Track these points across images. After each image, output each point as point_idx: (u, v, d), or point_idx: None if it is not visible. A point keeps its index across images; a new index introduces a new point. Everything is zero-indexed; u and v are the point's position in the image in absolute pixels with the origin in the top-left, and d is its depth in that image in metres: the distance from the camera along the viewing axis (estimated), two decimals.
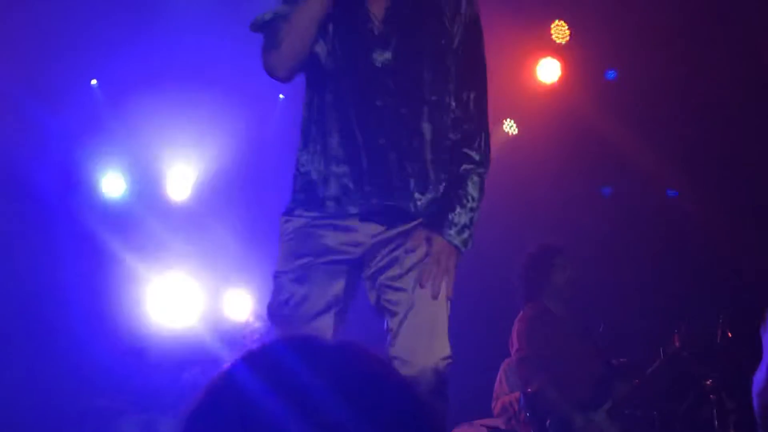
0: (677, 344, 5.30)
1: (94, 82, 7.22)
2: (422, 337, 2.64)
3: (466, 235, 2.76)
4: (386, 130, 2.66)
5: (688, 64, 6.83)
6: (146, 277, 7.03)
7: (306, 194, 2.70)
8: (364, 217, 2.65)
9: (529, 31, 7.46)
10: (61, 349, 6.48)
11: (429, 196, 2.71)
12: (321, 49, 2.67)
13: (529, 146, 7.54)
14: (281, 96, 7.36)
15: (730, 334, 5.16)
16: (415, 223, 2.71)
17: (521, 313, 5.68)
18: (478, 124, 2.86)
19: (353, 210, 2.65)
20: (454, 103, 2.80)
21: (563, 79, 7.54)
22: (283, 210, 2.81)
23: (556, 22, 7.45)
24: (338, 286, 2.71)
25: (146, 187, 7.35)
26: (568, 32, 7.45)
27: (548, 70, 7.54)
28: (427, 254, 2.69)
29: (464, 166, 2.81)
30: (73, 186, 7.10)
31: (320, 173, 2.67)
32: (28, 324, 6.55)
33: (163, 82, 6.84)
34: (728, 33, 6.67)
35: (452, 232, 2.75)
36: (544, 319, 5.57)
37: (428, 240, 2.74)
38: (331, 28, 2.67)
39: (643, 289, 7.00)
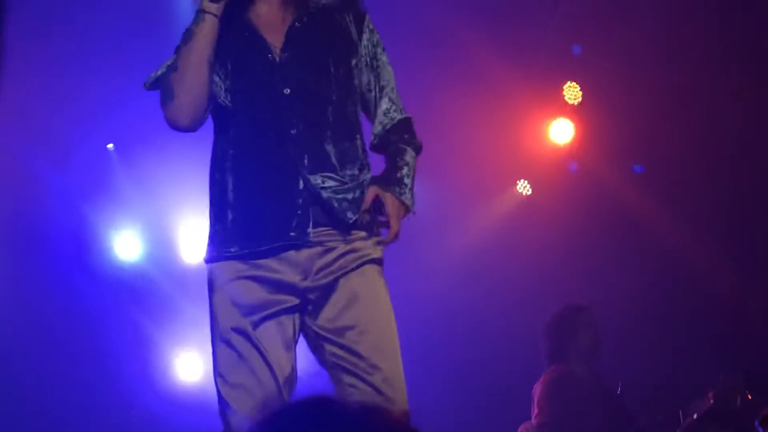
0: (712, 401, 5.17)
1: (110, 146, 7.28)
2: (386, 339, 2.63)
3: (412, 195, 2.73)
4: (306, 155, 2.60)
5: (703, 124, 6.84)
6: (160, 341, 6.99)
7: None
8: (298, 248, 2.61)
9: (542, 92, 7.51)
10: (71, 411, 6.44)
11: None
12: (219, 87, 2.61)
13: (544, 207, 7.53)
14: None
15: (750, 396, 5.06)
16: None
17: (544, 375, 5.60)
18: (404, 115, 2.83)
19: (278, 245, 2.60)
20: (378, 110, 2.78)
21: (576, 140, 7.56)
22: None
23: (568, 83, 7.50)
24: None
25: (160, 249, 7.33)
26: (580, 93, 7.50)
27: (561, 131, 7.56)
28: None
29: (399, 145, 2.77)
30: (86, 248, 7.10)
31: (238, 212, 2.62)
32: (38, 384, 6.52)
33: (179, 144, 6.89)
34: (743, 92, 6.69)
35: (404, 190, 2.70)
36: (566, 382, 5.48)
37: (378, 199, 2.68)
38: (229, 64, 2.61)
39: (667, 346, 6.91)
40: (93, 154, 7.13)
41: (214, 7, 2.53)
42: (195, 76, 2.52)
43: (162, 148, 6.86)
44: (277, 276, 2.60)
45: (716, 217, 6.92)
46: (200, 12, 2.54)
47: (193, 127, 2.62)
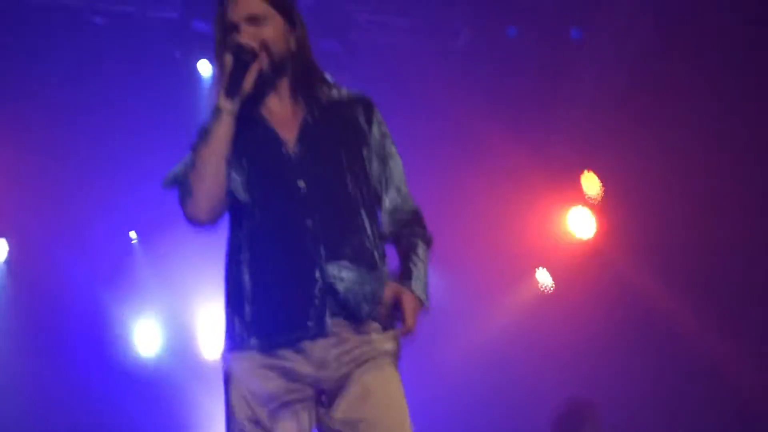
0: None
1: (133, 235, 7.35)
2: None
3: (427, 291, 2.73)
4: (322, 245, 2.63)
5: (727, 217, 6.81)
6: None
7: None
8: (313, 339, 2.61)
9: (561, 181, 7.55)
10: None
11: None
12: (235, 182, 2.65)
13: (563, 297, 7.49)
14: None
15: None
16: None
17: None
18: (413, 207, 2.85)
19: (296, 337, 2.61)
20: (386, 201, 2.80)
21: (595, 230, 7.56)
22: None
23: (587, 172, 7.54)
24: None
25: (179, 341, 7.33)
26: (599, 183, 7.53)
27: (579, 221, 7.58)
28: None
29: (411, 239, 2.79)
30: (104, 337, 7.11)
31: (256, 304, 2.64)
32: None
33: (199, 235, 6.94)
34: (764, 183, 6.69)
35: (419, 286, 2.70)
36: None
37: (396, 296, 2.66)
38: (243, 159, 2.66)
39: None
40: (113, 242, 7.20)
41: (230, 105, 2.59)
42: (212, 173, 2.57)
43: (182, 238, 6.91)
44: (293, 366, 2.60)
45: (742, 315, 6.83)
46: (217, 110, 2.60)
47: (212, 223, 2.65)
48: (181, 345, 7.29)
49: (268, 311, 2.62)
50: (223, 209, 2.66)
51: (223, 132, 2.60)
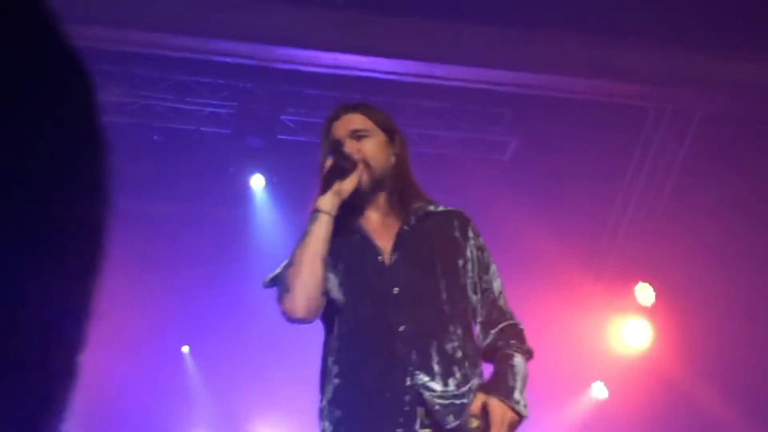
0: None
1: (185, 349, 7.40)
2: None
3: (524, 401, 2.64)
4: (414, 351, 2.62)
5: None
6: None
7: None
8: None
9: (614, 293, 7.47)
10: None
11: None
12: (332, 284, 2.70)
13: (620, 410, 7.30)
14: None
15: None
16: None
17: None
18: (512, 321, 2.80)
19: None
20: (485, 310, 2.78)
21: (651, 342, 7.44)
22: None
23: (641, 284, 7.47)
24: None
25: None
26: (653, 294, 7.45)
27: (634, 332, 7.47)
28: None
29: (506, 350, 2.72)
30: None
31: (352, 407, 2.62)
32: None
33: (250, 350, 6.96)
34: None
35: (513, 396, 2.62)
36: None
37: (485, 407, 2.60)
38: (341, 264, 2.72)
39: None
40: (167, 355, 7.24)
41: (329, 206, 2.69)
42: (310, 271, 2.63)
43: (235, 352, 6.93)
44: None
45: None
46: (315, 212, 2.70)
47: (308, 319, 2.68)
48: None
49: (359, 417, 2.61)
50: (319, 307, 2.69)
51: (320, 231, 2.68)
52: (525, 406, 2.64)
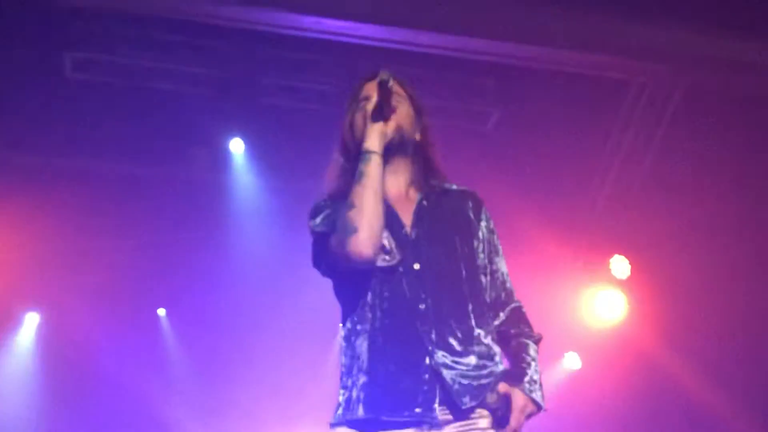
0: None
1: (162, 311, 7.40)
2: None
3: (542, 393, 2.70)
4: (434, 330, 2.63)
5: (757, 292, 6.74)
6: None
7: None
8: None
9: (591, 265, 7.52)
10: None
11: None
12: (386, 238, 2.69)
13: (593, 381, 7.38)
14: None
15: None
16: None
17: None
18: (517, 303, 2.87)
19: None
20: (494, 291, 2.82)
21: (625, 314, 7.50)
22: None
23: (616, 257, 7.52)
24: None
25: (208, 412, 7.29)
26: (629, 267, 7.50)
27: (609, 305, 7.53)
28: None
29: (521, 339, 2.79)
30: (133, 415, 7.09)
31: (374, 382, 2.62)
32: None
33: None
34: None
35: (534, 388, 2.68)
36: None
37: (507, 395, 2.63)
38: None
39: None
40: (143, 317, 7.21)
41: (377, 147, 2.70)
42: (374, 211, 2.63)
43: (211, 316, 6.92)
44: None
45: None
46: (365, 153, 2.70)
47: (374, 258, 2.64)
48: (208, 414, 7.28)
49: (380, 390, 2.61)
50: (379, 250, 2.67)
51: (375, 171, 2.68)
52: (543, 397, 2.70)
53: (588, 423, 7.09)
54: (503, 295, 2.84)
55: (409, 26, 5.99)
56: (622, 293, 7.52)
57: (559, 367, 7.62)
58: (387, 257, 2.69)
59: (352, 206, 2.66)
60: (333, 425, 2.67)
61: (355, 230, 2.63)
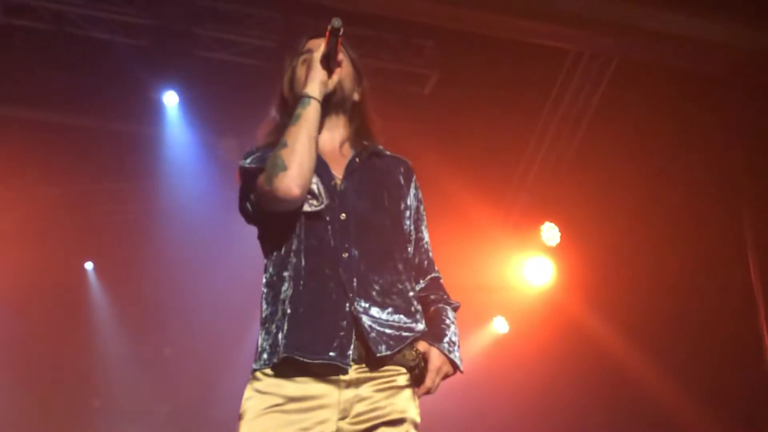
0: None
1: (89, 265, 7.28)
2: None
3: (459, 354, 2.75)
4: (355, 279, 2.65)
5: (681, 261, 6.89)
6: None
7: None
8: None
9: (520, 232, 7.60)
10: None
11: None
12: (315, 182, 2.70)
13: (520, 344, 7.50)
14: None
15: None
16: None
17: None
18: (437, 273, 2.92)
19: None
20: (417, 257, 2.87)
21: (553, 280, 7.62)
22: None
23: (547, 224, 7.62)
24: None
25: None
26: (559, 234, 7.60)
27: (538, 271, 7.63)
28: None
29: (440, 305, 2.84)
30: None
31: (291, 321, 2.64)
32: None
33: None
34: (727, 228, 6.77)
35: (454, 349, 2.72)
36: None
37: (425, 354, 2.67)
38: None
39: None
40: (70, 271, 7.09)
41: (317, 94, 2.72)
42: (307, 152, 2.66)
43: (140, 269, 6.83)
44: (316, 404, 2.60)
45: (696, 360, 6.89)
46: (304, 97, 2.72)
47: (299, 200, 2.65)
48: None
49: (301, 334, 2.61)
50: (306, 192, 2.67)
51: (312, 116, 2.71)
52: (460, 359, 2.73)
53: (515, 386, 7.21)
54: (426, 263, 2.89)
55: None
56: (551, 260, 7.63)
57: (487, 331, 7.72)
58: (314, 202, 2.70)
59: (284, 145, 2.67)
60: (256, 370, 2.68)
61: (284, 167, 2.63)
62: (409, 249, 2.86)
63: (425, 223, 2.94)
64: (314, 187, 2.70)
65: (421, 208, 2.94)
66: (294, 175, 2.62)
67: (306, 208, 2.70)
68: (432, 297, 2.85)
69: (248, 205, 2.75)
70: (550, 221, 7.63)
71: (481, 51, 6.62)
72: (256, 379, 2.64)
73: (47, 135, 6.67)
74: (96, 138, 6.79)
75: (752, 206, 6.50)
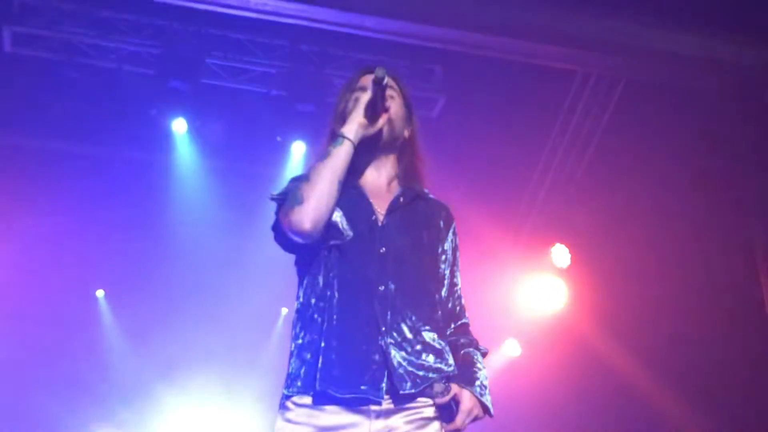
0: None
1: (100, 293, 7.29)
2: None
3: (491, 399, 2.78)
4: (389, 312, 2.67)
5: (692, 282, 6.86)
6: None
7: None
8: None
9: (532, 253, 7.58)
10: None
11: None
12: (339, 217, 2.72)
13: (532, 367, 7.46)
14: None
15: None
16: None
17: None
18: (467, 320, 2.93)
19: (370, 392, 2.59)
20: (450, 301, 2.89)
21: (565, 302, 7.59)
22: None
23: (557, 245, 7.60)
24: None
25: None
26: (569, 255, 7.58)
27: (550, 293, 7.61)
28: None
29: (470, 349, 2.85)
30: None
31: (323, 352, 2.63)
32: None
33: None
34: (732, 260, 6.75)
35: (485, 392, 2.75)
36: None
37: (456, 396, 2.69)
38: (340, 213, 2.75)
39: None
40: (81, 299, 7.09)
41: (353, 135, 2.73)
42: (326, 187, 2.66)
43: (150, 297, 6.83)
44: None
45: (712, 392, 6.84)
46: (339, 136, 2.73)
47: (312, 235, 2.65)
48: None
49: (334, 366, 2.62)
50: (321, 228, 2.67)
51: (342, 155, 2.72)
52: (491, 405, 2.77)
53: (527, 409, 7.16)
54: (458, 308, 2.91)
55: (356, 10, 5.96)
56: (563, 281, 7.60)
57: (499, 354, 7.68)
58: (338, 237, 2.71)
59: (306, 179, 2.70)
60: (288, 397, 2.67)
61: (300, 201, 2.65)
62: (443, 291, 2.87)
63: (459, 269, 2.96)
64: (338, 221, 2.72)
65: (457, 254, 2.96)
66: (307, 210, 2.64)
67: (332, 241, 2.71)
68: (462, 341, 2.87)
69: (275, 233, 2.78)
70: (561, 243, 7.61)
71: (489, 73, 6.63)
72: (287, 408, 2.65)
73: (56, 163, 6.69)
74: (106, 165, 6.82)
75: (765, 227, 6.48)
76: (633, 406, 7.05)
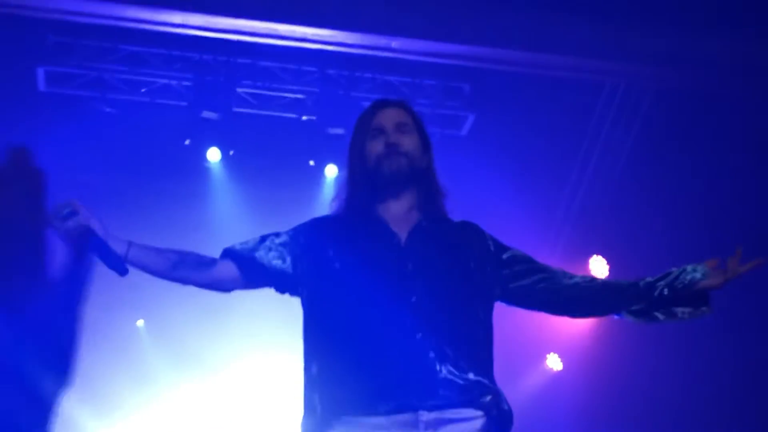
0: None
1: (140, 323, 7.36)
2: None
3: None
4: (425, 323, 2.67)
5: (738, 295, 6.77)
6: None
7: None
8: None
9: (569, 266, 7.52)
10: None
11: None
12: (333, 263, 2.75)
13: (574, 382, 7.41)
14: None
15: None
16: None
17: None
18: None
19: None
20: (537, 274, 3.06)
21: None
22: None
23: (595, 257, 7.56)
24: None
25: None
26: (607, 267, 7.53)
27: None
28: None
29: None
30: None
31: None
32: None
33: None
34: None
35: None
36: None
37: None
38: (351, 244, 2.78)
39: None
40: (121, 329, 7.16)
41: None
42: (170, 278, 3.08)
43: (191, 328, 6.88)
44: None
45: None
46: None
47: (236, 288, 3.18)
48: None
49: (366, 384, 2.62)
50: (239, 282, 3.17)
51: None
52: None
53: (570, 425, 7.11)
54: (553, 266, 3.12)
55: (383, 32, 6.01)
56: None
57: (541, 369, 7.64)
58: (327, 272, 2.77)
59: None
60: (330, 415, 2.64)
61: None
62: (477, 301, 2.87)
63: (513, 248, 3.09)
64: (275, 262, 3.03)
65: (504, 244, 3.08)
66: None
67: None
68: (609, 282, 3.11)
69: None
70: (598, 254, 7.57)
71: (517, 89, 6.64)
72: (330, 426, 2.63)
73: (94, 197, 6.78)
74: (141, 197, 6.90)
75: None
76: (676, 417, 6.96)
